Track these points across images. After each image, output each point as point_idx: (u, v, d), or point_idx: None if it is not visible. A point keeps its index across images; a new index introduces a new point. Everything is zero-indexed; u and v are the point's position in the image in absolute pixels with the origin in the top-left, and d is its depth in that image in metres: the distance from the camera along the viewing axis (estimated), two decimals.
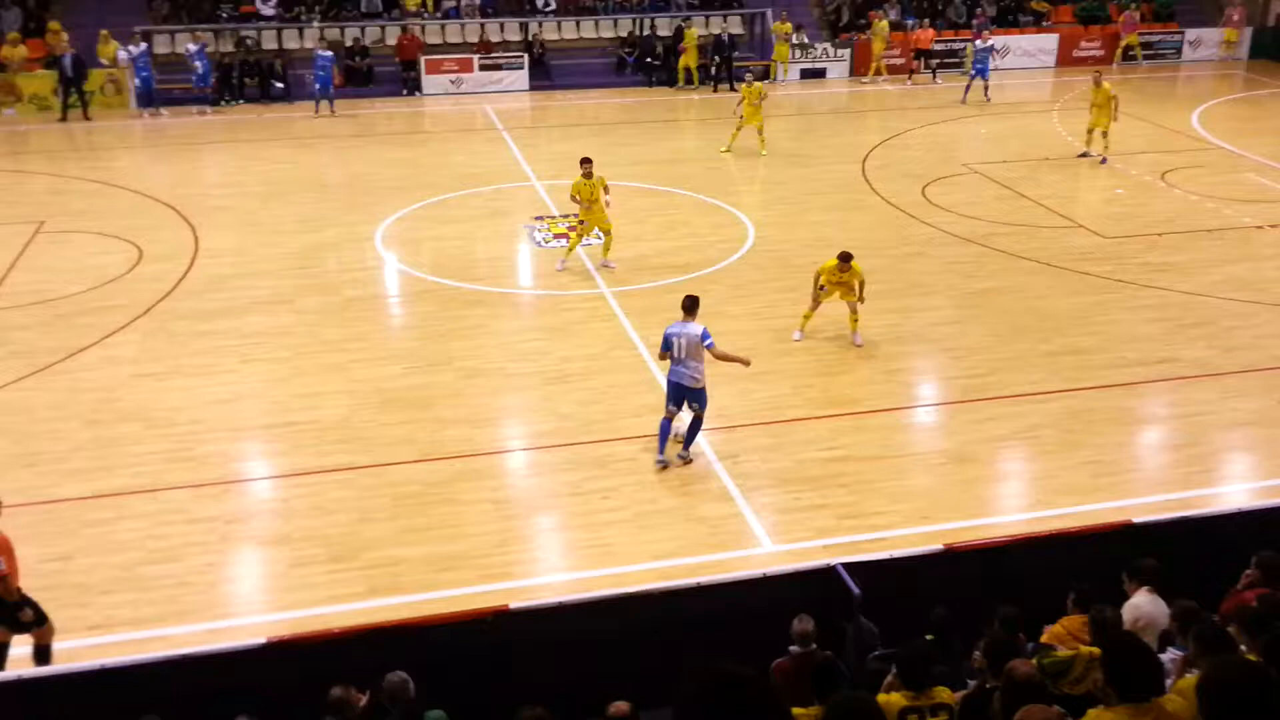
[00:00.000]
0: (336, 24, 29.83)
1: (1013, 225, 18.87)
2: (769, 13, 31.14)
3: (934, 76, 31.16)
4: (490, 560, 10.37)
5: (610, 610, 7.93)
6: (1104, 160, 22.73)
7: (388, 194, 20.85)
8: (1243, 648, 6.16)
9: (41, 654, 8.77)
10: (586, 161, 16.84)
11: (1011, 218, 19.21)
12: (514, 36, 30.76)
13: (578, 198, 16.87)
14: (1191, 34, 33.27)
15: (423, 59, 29.29)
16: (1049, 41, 32.48)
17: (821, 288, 14.59)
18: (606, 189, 16.94)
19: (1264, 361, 14.18)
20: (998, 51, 28.52)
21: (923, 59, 31.18)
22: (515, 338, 14.97)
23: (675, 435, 12.04)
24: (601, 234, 17.18)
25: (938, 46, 31.61)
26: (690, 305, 11.87)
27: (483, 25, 30.38)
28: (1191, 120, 26.13)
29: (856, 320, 14.71)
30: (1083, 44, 32.49)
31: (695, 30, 30.06)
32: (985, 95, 28.05)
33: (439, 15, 30.78)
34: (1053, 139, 24.78)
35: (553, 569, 10.40)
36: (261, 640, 7.49)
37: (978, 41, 28.61)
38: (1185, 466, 12.07)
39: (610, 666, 7.55)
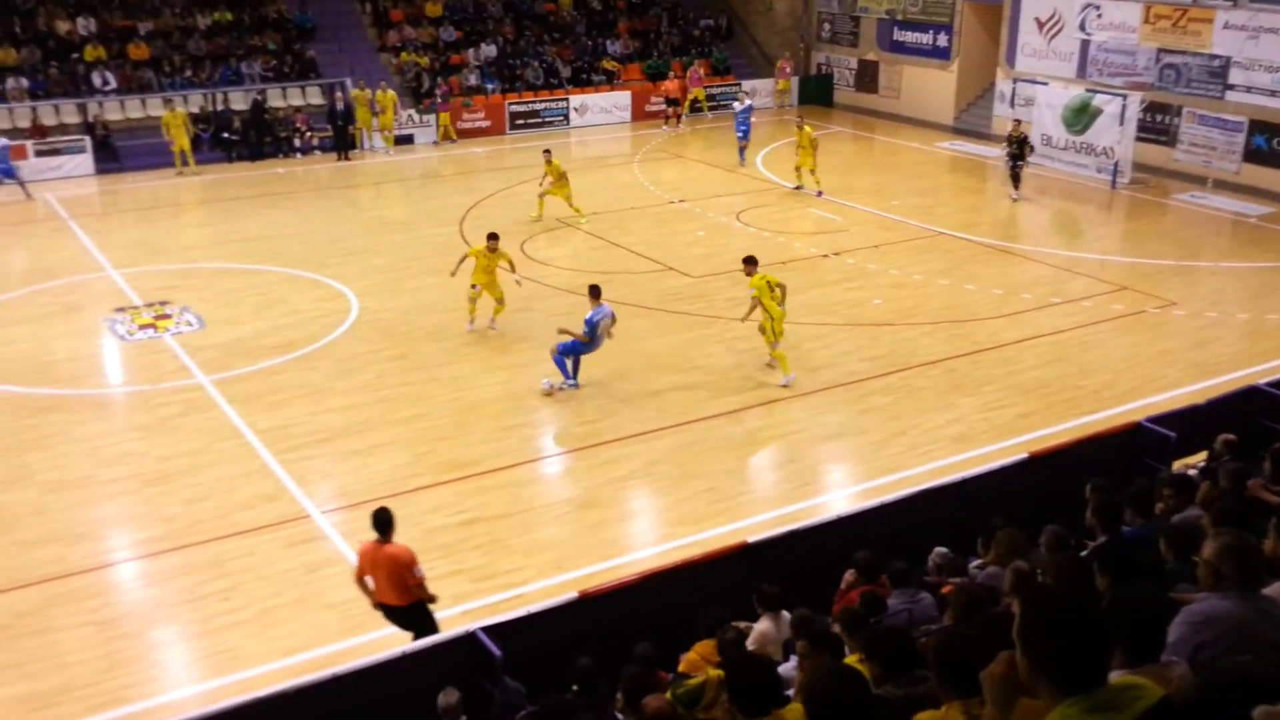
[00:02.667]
0: None
1: (609, 273, 19.60)
2: (348, 81, 30.76)
3: None
4: (99, 688, 9.39)
5: None
6: (819, 194, 24.93)
7: None
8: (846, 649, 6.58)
9: None
10: (493, 237, 16.95)
11: (607, 266, 19.97)
12: (72, 119, 28.51)
13: (474, 268, 16.88)
14: (747, 84, 36.25)
15: None
16: (623, 99, 34.31)
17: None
18: (513, 266, 17.22)
19: (842, 378, 15.52)
20: (749, 111, 28.57)
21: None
22: (104, 441, 13.72)
23: (549, 389, 14.88)
24: (494, 301, 17.05)
25: (519, 108, 32.55)
26: (597, 292, 15.04)
27: (34, 109, 27.94)
28: (757, 163, 28.38)
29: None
30: (653, 99, 34.53)
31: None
32: (741, 158, 28.56)
33: None
34: (636, 189, 26.08)
35: (173, 685, 9.56)
36: None
37: (735, 104, 29.22)
38: (789, 482, 12.94)
39: None
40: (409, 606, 9.17)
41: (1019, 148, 24.89)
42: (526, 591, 10.57)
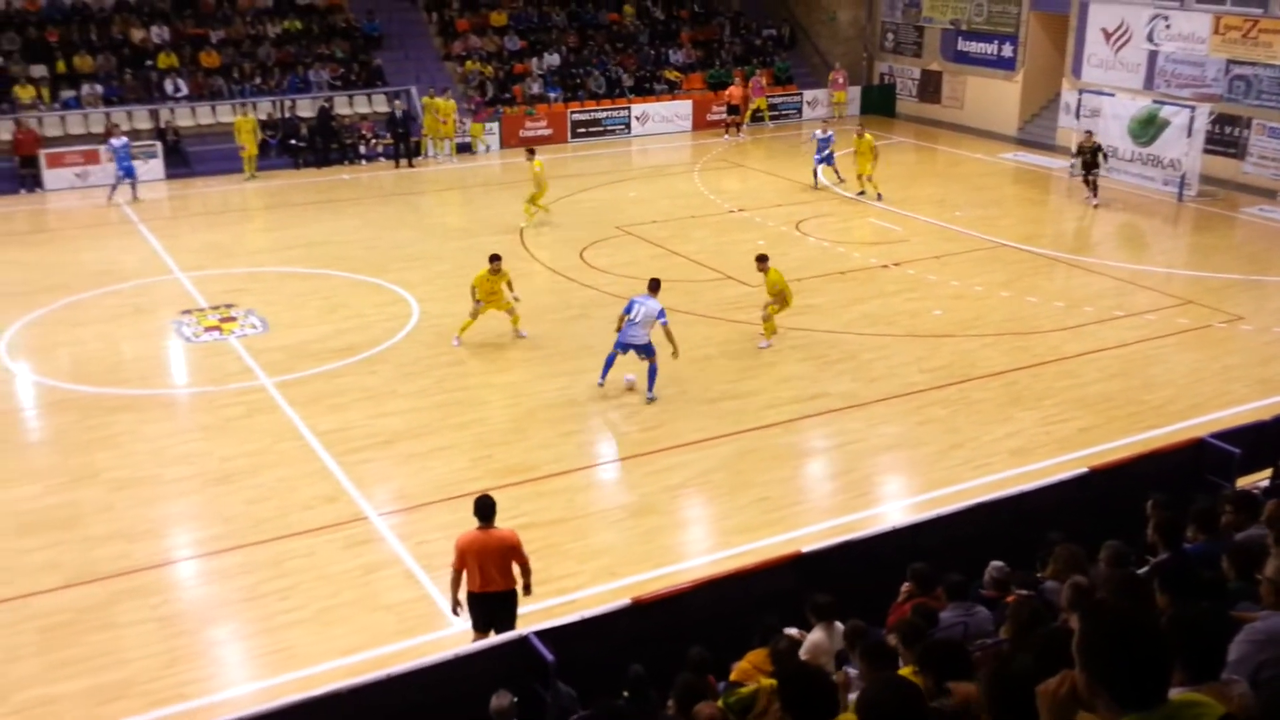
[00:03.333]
0: None
1: (668, 281, 19.54)
2: (414, 89, 31.15)
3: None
4: (160, 684, 9.56)
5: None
6: (879, 198, 25.12)
7: (9, 300, 19.07)
8: (900, 660, 6.54)
9: None
10: (496, 259, 16.79)
11: (666, 274, 19.92)
12: (144, 124, 29.14)
13: (476, 291, 16.73)
14: (809, 95, 36.15)
15: (42, 153, 27.18)
16: (684, 108, 34.36)
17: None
18: (510, 285, 17.04)
19: (900, 389, 15.41)
20: (829, 140, 26.57)
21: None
22: (169, 441, 13.99)
23: (631, 385, 15.21)
24: (505, 314, 17.21)
25: (581, 117, 32.74)
26: (654, 286, 15.48)
27: (108, 114, 28.60)
28: (817, 174, 28.26)
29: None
30: (714, 108, 34.54)
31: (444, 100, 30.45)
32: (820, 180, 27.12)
33: (58, 106, 28.73)
34: (696, 197, 26.11)
35: (231, 683, 9.72)
36: None
37: (817, 132, 27.52)
38: (844, 493, 12.87)
39: None
40: (506, 593, 9.42)
41: (1092, 156, 24.81)
42: (580, 597, 10.61)
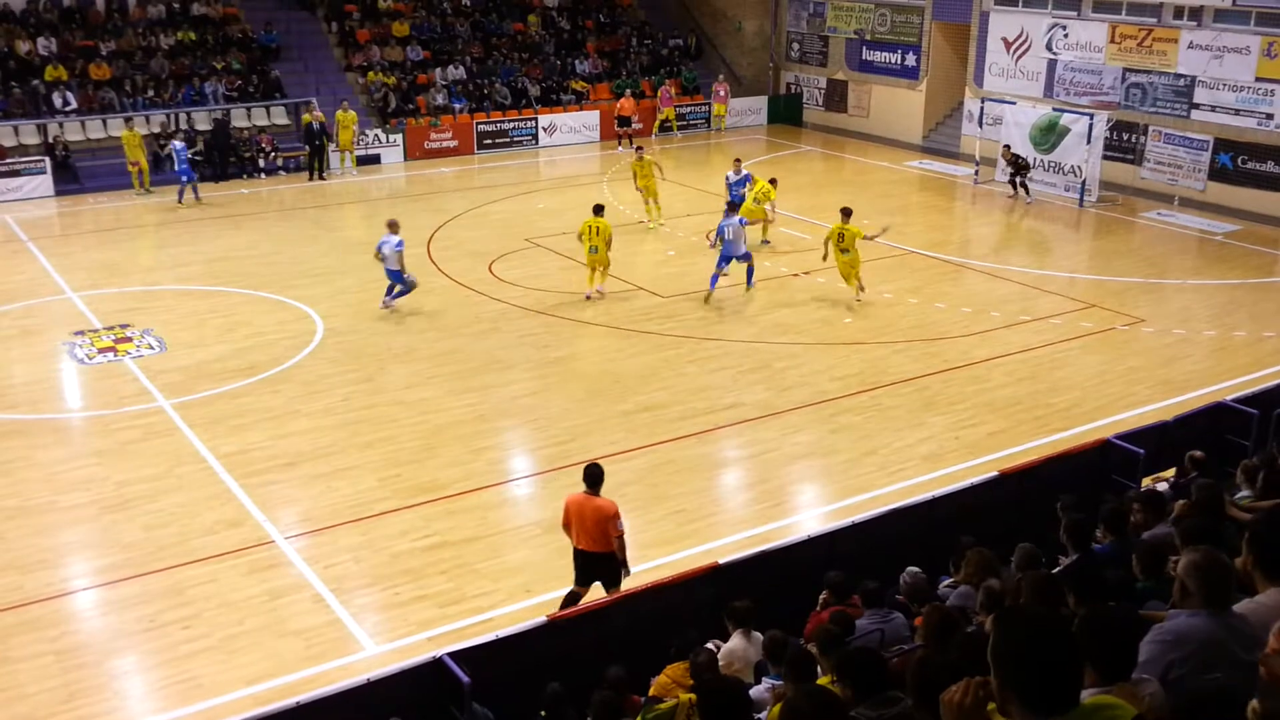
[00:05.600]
0: None
1: (578, 293, 19.50)
2: (314, 101, 30.57)
3: None
4: (60, 719, 9.14)
5: None
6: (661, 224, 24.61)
7: None
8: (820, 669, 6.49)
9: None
10: (600, 209, 19.70)
11: (576, 286, 19.86)
12: (31, 140, 28.16)
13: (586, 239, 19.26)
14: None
15: None
16: (592, 118, 34.27)
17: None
18: (608, 243, 19.19)
19: (813, 397, 15.45)
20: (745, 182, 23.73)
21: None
22: (63, 467, 13.45)
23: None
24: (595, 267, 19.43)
25: (487, 128, 32.46)
26: (733, 208, 20.04)
27: None
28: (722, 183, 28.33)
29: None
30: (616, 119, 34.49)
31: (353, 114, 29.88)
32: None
33: None
34: (607, 208, 25.90)
35: (134, 716, 9.37)
36: None
37: (730, 174, 24.50)
38: (760, 503, 12.84)
39: None
40: (606, 555, 10.04)
41: (1015, 164, 25.89)
42: (495, 616, 10.43)
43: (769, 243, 23.03)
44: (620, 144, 33.34)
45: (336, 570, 11.24)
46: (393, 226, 18.84)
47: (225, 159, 28.96)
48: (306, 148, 29.22)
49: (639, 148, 25.94)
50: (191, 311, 18.81)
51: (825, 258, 19.29)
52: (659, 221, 24.36)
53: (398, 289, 18.82)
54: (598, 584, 10.25)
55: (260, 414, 14.82)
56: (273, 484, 13.01)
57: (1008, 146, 26.89)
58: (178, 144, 26.40)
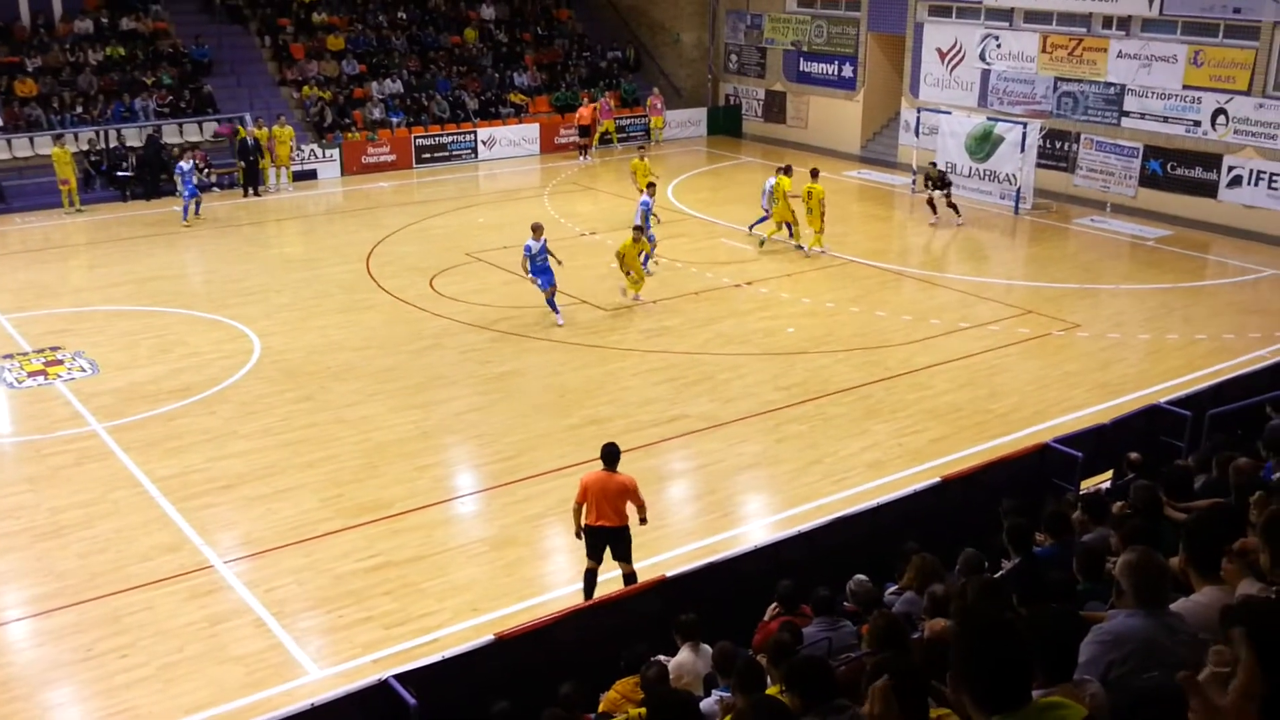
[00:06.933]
0: None
1: (521, 308, 19.40)
2: (247, 116, 30.17)
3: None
4: None
5: None
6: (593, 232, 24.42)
7: None
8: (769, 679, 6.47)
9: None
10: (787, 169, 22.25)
11: (519, 300, 19.76)
12: None
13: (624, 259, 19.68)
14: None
15: None
16: (531, 131, 34.19)
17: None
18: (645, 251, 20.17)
19: (758, 407, 15.49)
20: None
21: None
22: None
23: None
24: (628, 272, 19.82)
25: (426, 142, 32.25)
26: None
27: None
28: (668, 194, 28.42)
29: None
30: (562, 131, 34.48)
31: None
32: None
33: None
34: (547, 222, 25.76)
35: None
36: None
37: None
38: (707, 514, 12.83)
39: None
40: (620, 529, 10.61)
41: (941, 179, 25.65)
42: (441, 636, 10.31)
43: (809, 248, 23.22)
44: (581, 155, 33.33)
45: (278, 594, 11.04)
46: (536, 230, 19.07)
47: (157, 176, 28.45)
48: (241, 163, 28.85)
49: (640, 146, 26.30)
50: (124, 332, 18.45)
51: (794, 218, 21.93)
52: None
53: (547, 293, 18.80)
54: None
55: (197, 435, 14.55)
56: (211, 507, 12.77)
57: (933, 164, 26.90)
58: (183, 164, 26.11)
